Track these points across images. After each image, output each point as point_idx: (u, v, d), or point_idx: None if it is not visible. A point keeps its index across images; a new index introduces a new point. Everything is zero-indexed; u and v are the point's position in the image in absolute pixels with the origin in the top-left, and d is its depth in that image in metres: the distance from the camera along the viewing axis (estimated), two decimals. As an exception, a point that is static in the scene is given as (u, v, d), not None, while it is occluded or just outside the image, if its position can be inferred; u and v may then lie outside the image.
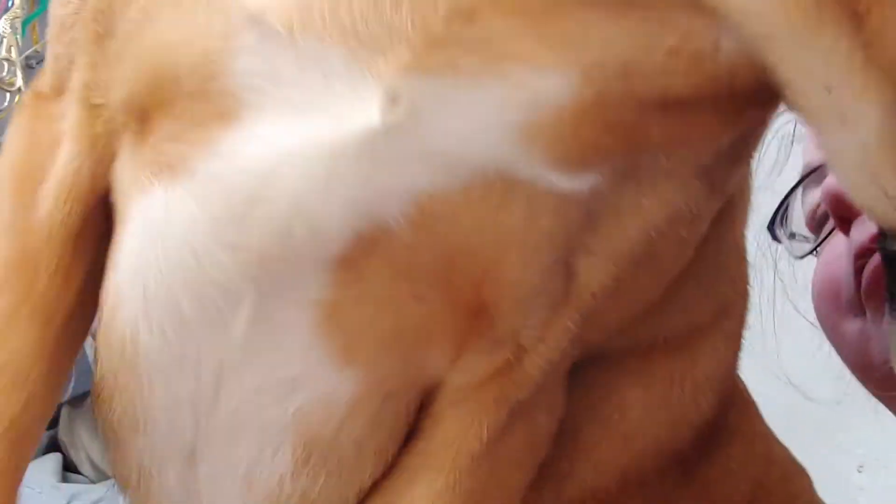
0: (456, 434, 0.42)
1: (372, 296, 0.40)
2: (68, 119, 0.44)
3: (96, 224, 0.44)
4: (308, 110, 0.37)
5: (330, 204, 0.37)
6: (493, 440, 0.42)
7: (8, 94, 1.28)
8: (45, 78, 0.46)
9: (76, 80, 0.44)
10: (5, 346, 0.43)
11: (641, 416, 0.48)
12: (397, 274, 0.39)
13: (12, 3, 1.30)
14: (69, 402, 1.31)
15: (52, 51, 0.46)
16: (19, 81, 1.27)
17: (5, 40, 1.27)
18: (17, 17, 1.29)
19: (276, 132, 0.37)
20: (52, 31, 0.46)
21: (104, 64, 0.42)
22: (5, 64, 1.27)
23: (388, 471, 0.44)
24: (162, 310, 0.41)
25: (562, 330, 0.41)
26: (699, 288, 0.46)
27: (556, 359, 0.42)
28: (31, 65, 1.32)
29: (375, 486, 0.44)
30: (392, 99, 0.35)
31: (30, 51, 1.32)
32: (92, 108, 0.43)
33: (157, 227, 0.40)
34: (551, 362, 0.42)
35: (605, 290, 0.41)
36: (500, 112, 0.36)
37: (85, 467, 1.44)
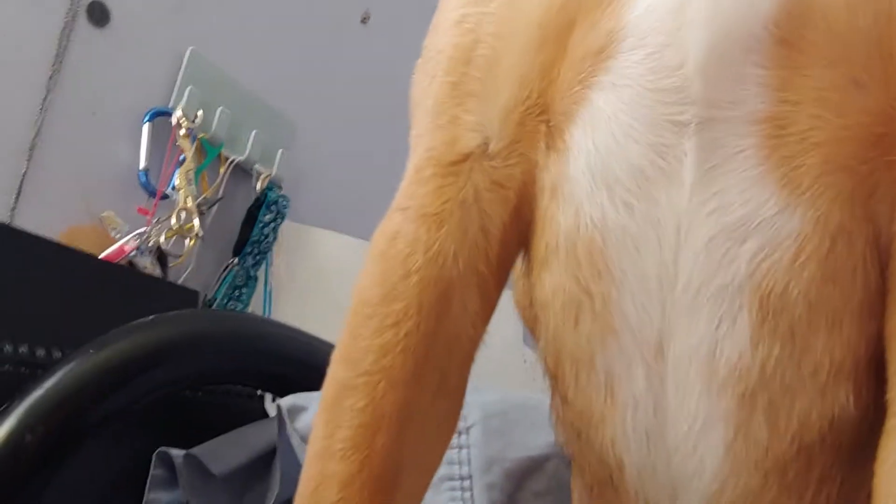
0: None
1: (810, 88, 0.39)
2: (416, 202, 0.48)
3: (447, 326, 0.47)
4: None
5: None
6: None
7: (186, 240, 1.39)
8: (393, 213, 0.50)
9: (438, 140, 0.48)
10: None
11: None
12: (835, 53, 0.38)
13: (184, 157, 1.42)
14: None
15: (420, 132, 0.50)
16: (197, 227, 1.38)
17: (182, 191, 1.39)
18: (191, 169, 1.41)
19: None
20: (420, 120, 0.50)
21: (480, 94, 0.47)
22: (182, 213, 1.38)
23: None
24: (625, 183, 0.43)
25: None
26: None
27: None
28: (203, 210, 1.44)
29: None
30: None
31: (200, 198, 1.43)
32: (459, 165, 0.47)
33: (605, 116, 0.43)
34: None
35: None
36: None
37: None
